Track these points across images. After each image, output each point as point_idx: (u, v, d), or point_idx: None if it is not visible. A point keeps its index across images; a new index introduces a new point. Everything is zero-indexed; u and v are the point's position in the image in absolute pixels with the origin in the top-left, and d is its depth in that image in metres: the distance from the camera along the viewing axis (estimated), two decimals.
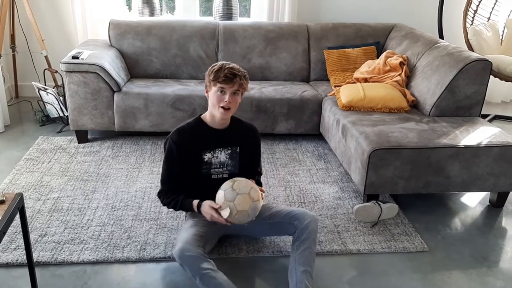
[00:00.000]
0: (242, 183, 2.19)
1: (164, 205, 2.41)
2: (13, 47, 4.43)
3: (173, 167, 2.33)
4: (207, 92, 2.32)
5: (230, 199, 2.13)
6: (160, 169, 2.43)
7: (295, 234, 2.19)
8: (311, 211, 2.83)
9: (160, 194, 2.40)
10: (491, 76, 3.47)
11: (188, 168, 2.33)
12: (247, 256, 2.42)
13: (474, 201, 3.10)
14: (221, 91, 2.23)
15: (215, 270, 2.01)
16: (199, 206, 2.25)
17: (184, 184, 2.36)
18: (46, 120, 4.03)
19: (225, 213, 2.14)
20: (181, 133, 2.32)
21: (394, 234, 2.65)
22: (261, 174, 2.55)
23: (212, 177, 2.35)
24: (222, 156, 2.36)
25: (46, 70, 4.32)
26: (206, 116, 2.36)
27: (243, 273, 2.28)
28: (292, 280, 2.09)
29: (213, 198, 2.22)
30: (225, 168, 2.37)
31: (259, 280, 2.27)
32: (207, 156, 2.33)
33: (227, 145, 2.36)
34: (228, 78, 2.20)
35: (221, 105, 2.24)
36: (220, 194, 2.18)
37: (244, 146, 2.41)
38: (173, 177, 2.36)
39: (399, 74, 3.57)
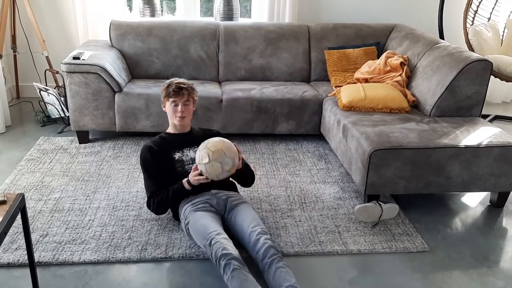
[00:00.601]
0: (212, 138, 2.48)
1: (156, 212, 2.56)
2: (14, 47, 4.43)
3: (152, 171, 2.57)
4: (164, 107, 2.69)
5: (204, 145, 2.40)
6: None
7: (260, 266, 2.19)
8: (312, 211, 2.84)
9: (149, 201, 2.55)
10: (492, 77, 3.48)
11: (165, 170, 2.57)
12: (248, 255, 2.42)
13: (474, 201, 3.10)
14: (174, 104, 2.60)
15: (247, 271, 2.06)
16: (188, 181, 2.46)
17: (166, 186, 2.55)
18: (47, 121, 4.04)
19: (205, 159, 2.35)
20: (152, 142, 2.65)
21: (394, 234, 2.66)
22: None
23: (188, 172, 2.54)
24: (191, 153, 2.63)
25: (47, 71, 4.33)
26: (170, 128, 2.73)
27: None
28: None
29: (193, 192, 2.49)
30: None
31: (260, 280, 2.26)
32: (177, 155, 2.61)
33: (193, 144, 2.64)
34: (176, 92, 2.58)
35: (176, 115, 2.61)
36: (197, 150, 2.44)
37: None
38: (156, 180, 2.54)
39: (400, 75, 3.57)
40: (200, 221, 2.34)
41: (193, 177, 2.43)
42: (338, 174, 3.32)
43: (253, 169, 3.32)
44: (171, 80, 2.65)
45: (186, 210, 2.46)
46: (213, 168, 2.34)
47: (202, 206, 2.44)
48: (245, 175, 2.68)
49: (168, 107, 2.63)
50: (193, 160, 2.58)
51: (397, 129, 2.94)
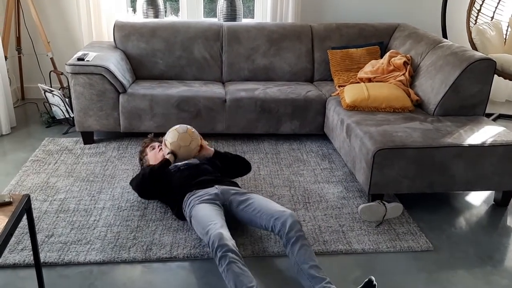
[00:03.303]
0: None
1: (137, 184, 2.75)
2: (19, 49, 4.46)
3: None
4: (146, 163, 2.98)
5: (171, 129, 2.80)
6: None
7: (283, 239, 2.23)
8: (316, 211, 2.85)
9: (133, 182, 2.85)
10: (495, 75, 3.47)
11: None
12: (253, 255, 2.43)
13: (478, 200, 3.10)
14: (153, 148, 2.99)
15: (243, 264, 2.07)
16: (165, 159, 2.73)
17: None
18: (52, 122, 4.06)
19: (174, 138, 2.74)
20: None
21: (399, 233, 2.66)
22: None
23: (181, 168, 2.78)
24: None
25: (52, 72, 4.35)
26: None
27: None
28: (304, 279, 2.11)
29: (197, 187, 2.62)
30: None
31: (264, 279, 2.28)
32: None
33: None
34: (147, 141, 3.09)
35: (159, 156, 2.89)
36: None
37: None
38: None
39: (403, 74, 3.57)
40: (201, 212, 2.38)
41: (161, 155, 2.84)
42: (341, 174, 3.33)
43: (256, 168, 3.35)
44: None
45: (190, 203, 2.51)
46: (181, 135, 2.73)
47: (206, 198, 2.49)
48: (226, 156, 2.90)
49: (152, 155, 2.96)
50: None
51: (401, 129, 2.94)
